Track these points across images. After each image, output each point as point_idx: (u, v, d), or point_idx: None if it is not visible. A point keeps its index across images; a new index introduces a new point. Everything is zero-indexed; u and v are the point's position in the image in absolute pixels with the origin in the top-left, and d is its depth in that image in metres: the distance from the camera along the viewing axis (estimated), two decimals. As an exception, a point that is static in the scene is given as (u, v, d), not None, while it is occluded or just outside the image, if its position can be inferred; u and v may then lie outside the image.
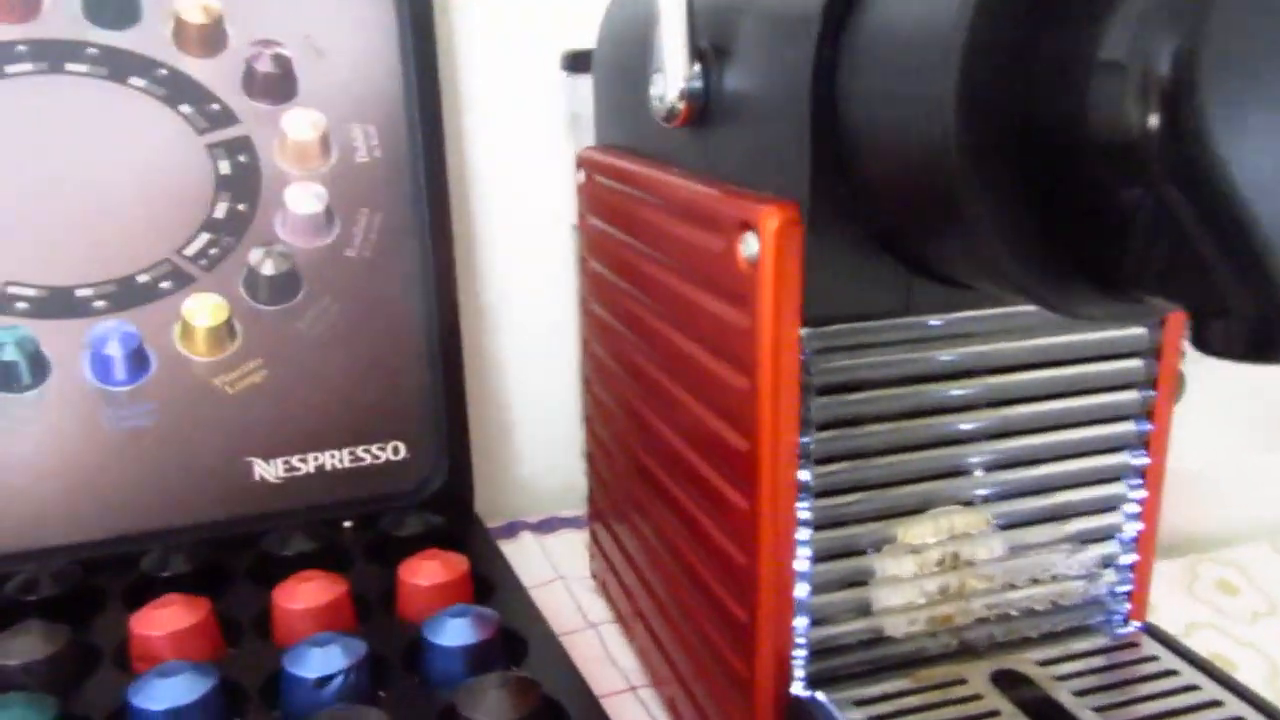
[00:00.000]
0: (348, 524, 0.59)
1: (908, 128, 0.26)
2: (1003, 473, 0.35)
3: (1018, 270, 0.26)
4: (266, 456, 0.59)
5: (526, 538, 0.63)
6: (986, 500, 0.35)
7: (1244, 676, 0.46)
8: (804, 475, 0.33)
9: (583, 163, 0.49)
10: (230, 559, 0.54)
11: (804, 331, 0.31)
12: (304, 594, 0.48)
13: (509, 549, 0.61)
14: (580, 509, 0.57)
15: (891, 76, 0.27)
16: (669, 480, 0.41)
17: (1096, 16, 0.23)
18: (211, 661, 0.44)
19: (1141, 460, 0.36)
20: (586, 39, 0.49)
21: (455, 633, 0.45)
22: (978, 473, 0.35)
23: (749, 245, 0.31)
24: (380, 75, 0.57)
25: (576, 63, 0.55)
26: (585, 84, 0.52)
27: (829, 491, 0.33)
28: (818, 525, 0.33)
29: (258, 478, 0.58)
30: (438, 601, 0.49)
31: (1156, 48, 0.22)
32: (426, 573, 0.50)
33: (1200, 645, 0.48)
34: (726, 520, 0.35)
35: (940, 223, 0.27)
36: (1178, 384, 0.58)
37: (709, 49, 0.35)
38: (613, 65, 0.47)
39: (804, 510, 0.33)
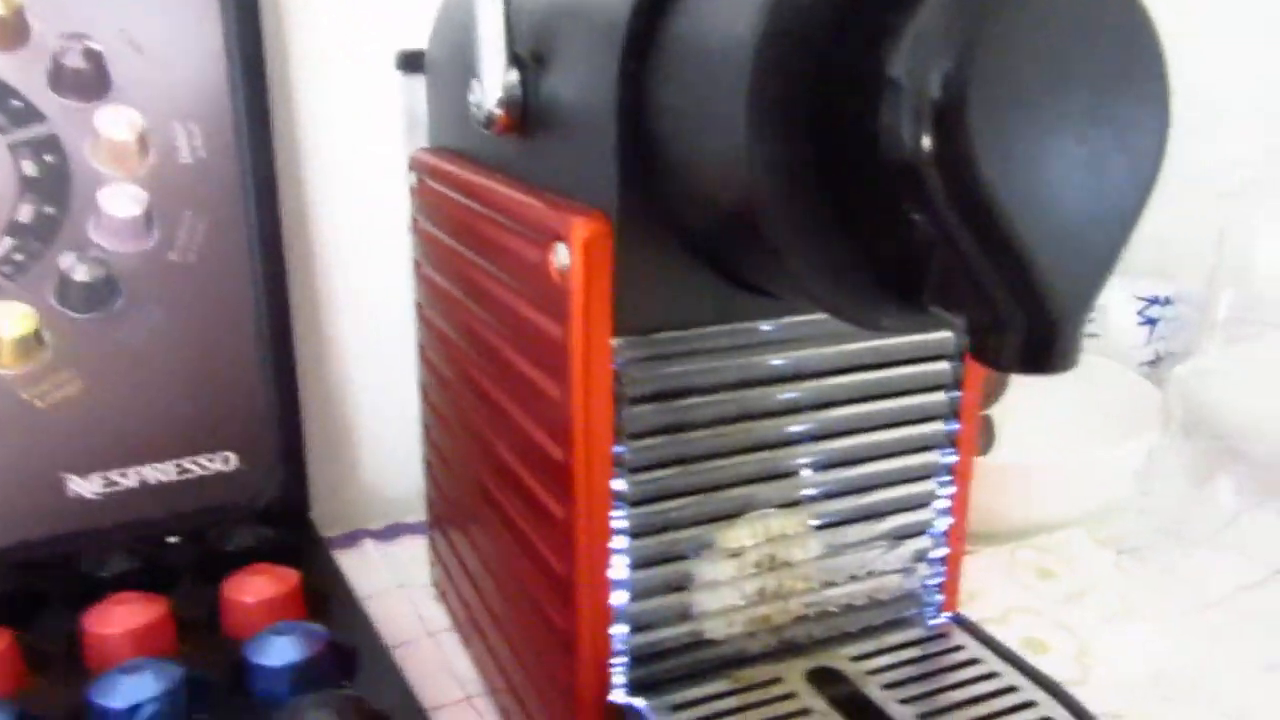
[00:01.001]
0: (173, 539, 0.56)
1: (707, 142, 0.27)
2: (819, 474, 0.36)
3: (819, 287, 0.26)
4: (82, 472, 0.55)
5: (369, 546, 0.61)
6: (804, 502, 0.36)
7: (1055, 655, 0.48)
8: (619, 484, 0.33)
9: (414, 165, 0.48)
10: (41, 582, 0.51)
11: (615, 341, 0.31)
12: (117, 617, 0.46)
13: (350, 559, 0.60)
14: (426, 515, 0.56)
15: (692, 89, 0.27)
16: (498, 490, 0.40)
17: (887, 32, 0.24)
18: (10, 696, 0.41)
19: (950, 458, 0.38)
20: (424, 38, 0.48)
21: (280, 651, 0.44)
22: (794, 475, 0.35)
23: (559, 256, 0.31)
24: (204, 71, 0.55)
25: (410, 62, 0.54)
26: (421, 84, 0.51)
27: (646, 499, 0.33)
28: (635, 533, 0.33)
29: (72, 494, 0.55)
30: (265, 618, 0.48)
31: (930, 68, 0.22)
32: (252, 589, 0.49)
33: (1018, 628, 0.50)
34: (547, 530, 0.35)
35: (744, 238, 0.27)
36: (997, 387, 0.61)
37: (528, 55, 0.35)
38: (444, 66, 0.46)
39: (620, 519, 0.33)
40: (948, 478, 0.38)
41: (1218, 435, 0.52)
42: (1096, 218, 0.23)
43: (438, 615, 0.53)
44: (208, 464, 0.58)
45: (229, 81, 0.55)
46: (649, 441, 0.33)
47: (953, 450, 0.38)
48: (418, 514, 0.62)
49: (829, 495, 0.36)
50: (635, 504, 0.33)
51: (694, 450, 0.34)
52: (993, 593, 0.52)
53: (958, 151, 0.22)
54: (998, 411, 0.61)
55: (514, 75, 0.35)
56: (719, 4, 0.26)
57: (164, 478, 0.57)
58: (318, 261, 0.61)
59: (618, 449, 0.32)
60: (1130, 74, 0.23)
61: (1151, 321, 0.69)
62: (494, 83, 0.35)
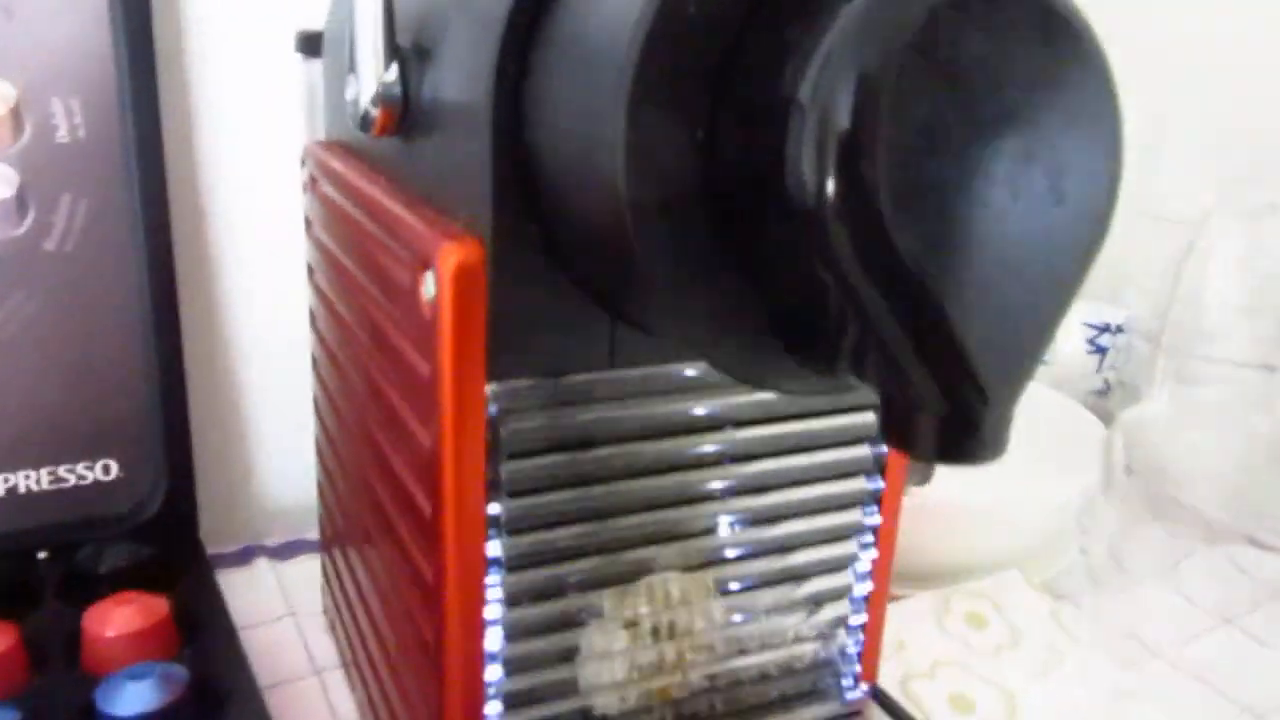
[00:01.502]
0: (42, 555, 0.52)
1: (581, 157, 0.23)
2: (726, 534, 0.32)
3: (702, 338, 0.23)
4: (-58, 478, 0.50)
5: (261, 565, 0.57)
6: (708, 565, 0.32)
7: (981, 715, 0.45)
8: (495, 547, 0.29)
9: (307, 157, 0.44)
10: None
11: (491, 386, 0.27)
12: (-44, 649, 0.41)
13: (239, 579, 0.55)
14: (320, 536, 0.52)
15: (568, 94, 0.23)
16: (375, 532, 0.36)
17: (793, 48, 0.20)
18: None
19: (873, 519, 0.34)
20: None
21: (133, 698, 0.39)
22: (698, 536, 0.32)
23: (428, 286, 0.27)
24: (86, 42, 0.49)
25: (310, 44, 0.49)
26: (319, 69, 0.46)
27: (526, 563, 0.29)
28: (513, 600, 0.29)
29: (-70, 502, 0.50)
30: (127, 654, 0.43)
31: (837, 90, 0.18)
32: (116, 621, 0.44)
33: (945, 683, 0.47)
34: (418, 590, 0.31)
35: (621, 272, 0.23)
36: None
37: (410, 46, 0.31)
38: (338, 50, 0.41)
39: (495, 585, 0.29)
40: (870, 539, 0.35)
41: (1162, 479, 0.49)
42: (1031, 283, 0.20)
43: (326, 649, 0.49)
44: (86, 472, 0.54)
45: (113, 52, 0.50)
46: (530, 500, 0.29)
47: (875, 509, 0.34)
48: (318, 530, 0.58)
49: (737, 557, 0.33)
50: (513, 568, 0.29)
51: (583, 508, 0.30)
52: (921, 642, 0.49)
53: (865, 197, 0.18)
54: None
55: (393, 71, 0.31)
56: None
57: (36, 486, 0.53)
58: (209, 253, 0.56)
59: (493, 507, 0.28)
60: (1075, 112, 0.20)
61: (1101, 350, 0.66)
62: (370, 78, 0.30)
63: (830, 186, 0.19)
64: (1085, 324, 0.66)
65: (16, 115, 0.49)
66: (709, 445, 0.30)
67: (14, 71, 0.48)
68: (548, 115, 0.24)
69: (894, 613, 0.52)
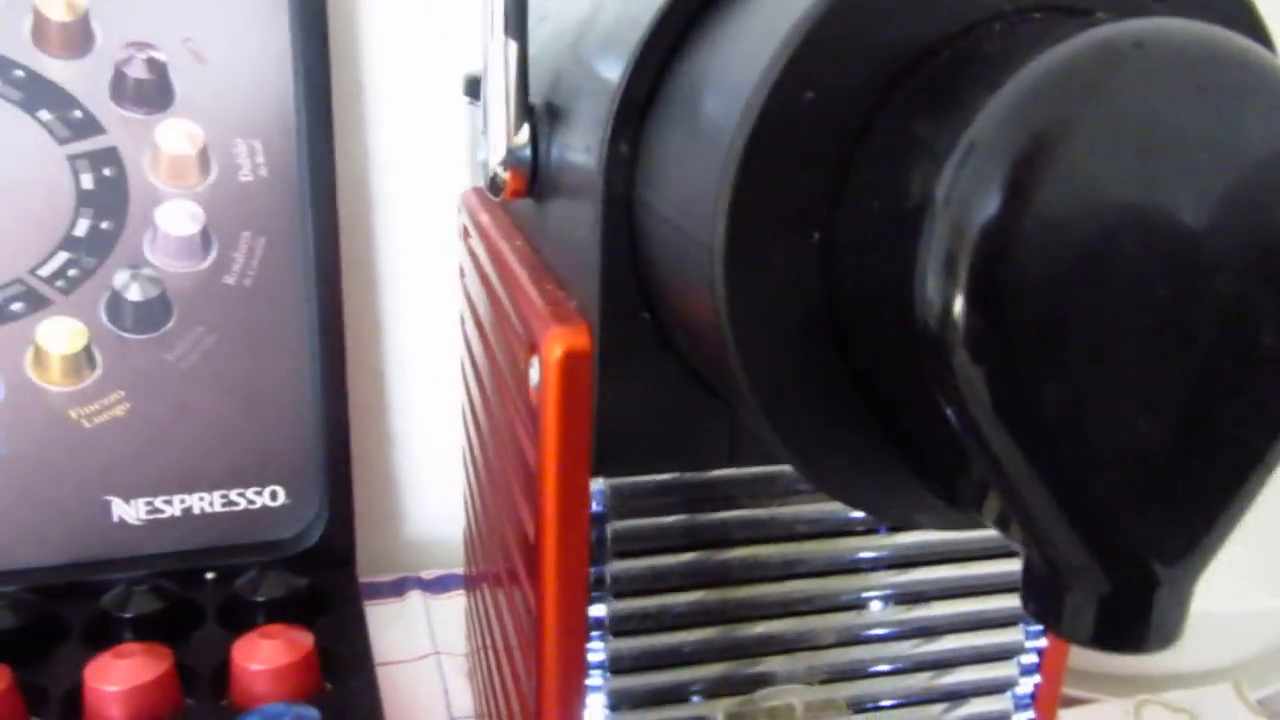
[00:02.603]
0: (210, 575, 0.54)
1: (684, 264, 0.20)
2: (857, 649, 0.29)
3: (815, 468, 0.20)
4: (127, 496, 0.53)
5: (414, 598, 0.57)
6: (836, 680, 0.29)
7: None
8: (598, 649, 0.26)
9: (464, 204, 0.43)
10: (66, 614, 0.49)
11: (597, 483, 0.25)
12: (116, 674, 0.43)
13: (392, 611, 0.56)
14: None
15: (674, 190, 0.21)
16: (500, 590, 0.35)
17: (924, 141, 0.17)
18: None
19: (1038, 640, 0.30)
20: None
21: (263, 741, 0.40)
22: (823, 649, 0.28)
23: (534, 372, 0.25)
24: (269, 87, 0.51)
25: (476, 89, 0.49)
26: (483, 113, 0.46)
27: (628, 668, 0.27)
28: (614, 705, 0.27)
29: (116, 519, 0.53)
30: (269, 688, 0.44)
31: (981, 184, 0.15)
32: (261, 654, 0.45)
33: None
34: (518, 683, 0.29)
35: (730, 390, 0.21)
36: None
37: (542, 107, 0.29)
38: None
39: (597, 691, 0.27)
40: (1033, 660, 0.30)
41: None
42: (1222, 424, 0.16)
43: (464, 696, 0.49)
44: (255, 497, 0.55)
45: (294, 97, 0.51)
46: (637, 602, 0.27)
47: (1041, 629, 0.30)
48: (466, 569, 0.58)
49: (873, 673, 0.29)
50: (617, 672, 0.27)
51: (693, 613, 0.27)
52: (1105, 759, 0.43)
53: (1004, 327, 0.15)
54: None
55: (524, 133, 0.29)
56: (726, 65, 0.20)
57: (209, 508, 0.55)
58: (377, 292, 0.57)
59: (598, 609, 0.26)
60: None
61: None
62: (500, 139, 0.29)
63: (959, 310, 0.15)
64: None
65: (204, 156, 0.51)
66: (839, 551, 0.27)
67: (203, 114, 0.51)
68: (657, 201, 0.21)
69: (1072, 719, 0.47)
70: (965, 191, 0.15)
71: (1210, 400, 0.15)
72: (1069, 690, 0.47)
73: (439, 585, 0.59)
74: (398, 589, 0.58)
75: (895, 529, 0.27)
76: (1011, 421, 0.15)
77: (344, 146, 0.53)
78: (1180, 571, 0.16)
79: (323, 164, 0.52)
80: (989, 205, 0.15)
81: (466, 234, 0.42)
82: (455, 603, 0.57)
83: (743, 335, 0.18)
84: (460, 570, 0.59)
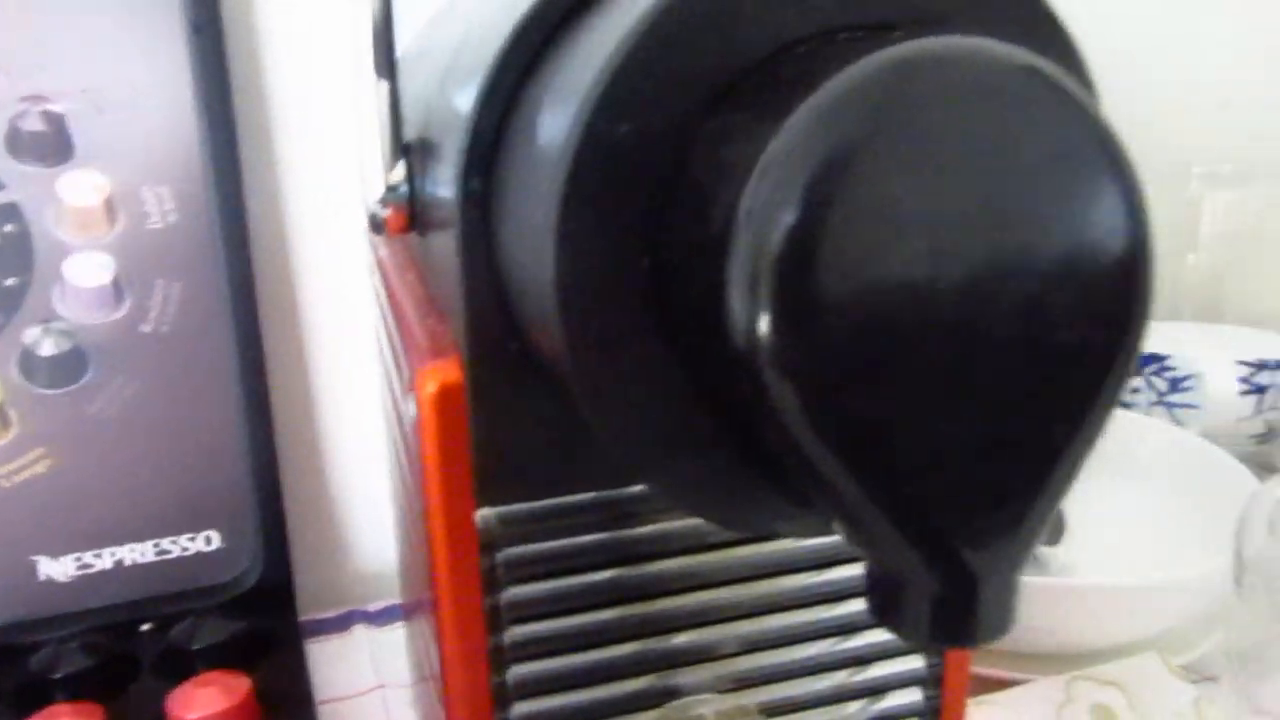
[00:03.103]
0: (146, 627, 0.53)
1: (530, 297, 0.20)
2: (764, 654, 0.29)
3: (674, 490, 0.20)
4: (55, 554, 0.53)
5: (359, 632, 0.57)
6: (745, 687, 0.29)
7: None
8: (502, 677, 0.27)
9: (370, 240, 0.43)
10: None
11: (483, 513, 0.25)
12: (48, 735, 0.43)
13: (337, 647, 0.55)
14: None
15: (516, 229, 0.21)
16: (426, 622, 0.35)
17: (731, 166, 0.17)
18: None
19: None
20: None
21: (198, 790, 0.39)
22: (728, 658, 0.29)
23: (410, 407, 0.25)
24: (173, 133, 0.51)
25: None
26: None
27: (532, 692, 0.27)
28: (524, 732, 0.27)
29: (44, 577, 0.53)
30: (208, 737, 0.44)
31: (777, 204, 0.16)
32: (197, 703, 0.44)
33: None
34: (443, 710, 0.29)
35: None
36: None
37: (416, 143, 0.30)
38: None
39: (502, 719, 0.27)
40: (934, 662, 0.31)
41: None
42: (1028, 429, 0.16)
43: (409, 727, 0.49)
44: (189, 544, 0.55)
45: (199, 142, 0.51)
46: (535, 627, 0.27)
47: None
48: (409, 599, 0.57)
49: (783, 676, 0.30)
50: (523, 697, 0.27)
51: (592, 632, 0.27)
52: (1037, 741, 0.44)
53: (807, 341, 0.16)
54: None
55: (400, 170, 0.29)
56: (554, 101, 0.20)
57: (141, 559, 0.54)
58: (299, 329, 0.57)
59: (497, 637, 0.26)
60: (1076, 200, 0.16)
61: (1259, 389, 0.59)
62: (378, 177, 0.29)
63: (764, 325, 0.16)
64: (1239, 361, 0.59)
65: (110, 205, 0.51)
66: (729, 560, 0.28)
67: (106, 164, 0.50)
68: (506, 236, 0.22)
69: (1006, 702, 0.48)
70: (763, 209, 0.16)
71: (1009, 399, 0.16)
72: (1002, 673, 0.48)
73: (384, 616, 0.58)
74: (342, 624, 0.58)
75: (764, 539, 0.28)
76: (822, 431, 0.16)
77: (255, 188, 0.53)
78: (1001, 564, 0.17)
79: (233, 207, 0.52)
80: (786, 221, 0.15)
81: (371, 270, 0.42)
82: (401, 633, 0.57)
83: (585, 366, 0.19)
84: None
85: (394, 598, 0.59)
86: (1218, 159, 0.71)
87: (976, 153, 0.16)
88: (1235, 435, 0.60)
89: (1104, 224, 0.16)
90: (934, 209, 0.15)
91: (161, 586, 0.54)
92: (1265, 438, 0.60)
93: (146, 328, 0.52)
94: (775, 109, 0.17)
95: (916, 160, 0.15)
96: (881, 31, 0.18)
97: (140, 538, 0.54)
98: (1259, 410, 0.59)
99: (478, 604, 0.26)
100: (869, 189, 0.15)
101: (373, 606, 0.59)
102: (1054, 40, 0.20)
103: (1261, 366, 0.58)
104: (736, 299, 0.16)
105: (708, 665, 0.29)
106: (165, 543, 0.55)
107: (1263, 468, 0.58)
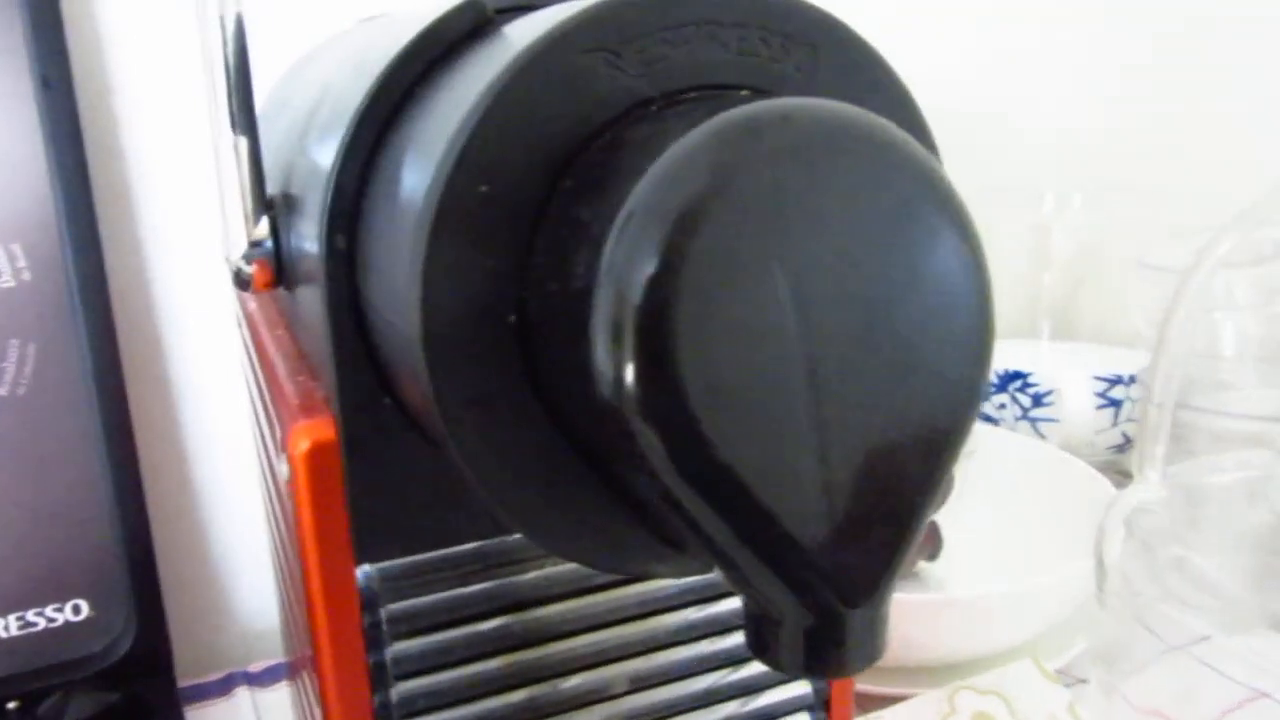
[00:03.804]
0: (12, 705, 0.50)
1: (398, 355, 0.21)
2: (656, 690, 0.30)
3: (544, 536, 0.20)
4: (-94, 635, 0.50)
5: (241, 695, 0.55)
6: (637, 724, 0.30)
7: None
8: (386, 737, 0.26)
9: (236, 293, 0.42)
10: None
11: (364, 570, 0.25)
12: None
13: (218, 712, 0.53)
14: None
15: (380, 285, 0.21)
16: (309, 680, 0.34)
17: (587, 224, 0.18)
18: None
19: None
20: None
21: None
22: (618, 697, 0.29)
23: (282, 467, 0.25)
24: (24, 189, 0.49)
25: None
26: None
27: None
28: (413, 790, 0.27)
29: (-105, 661, 0.49)
30: (80, 820, 0.41)
31: (634, 258, 0.16)
32: (68, 785, 0.42)
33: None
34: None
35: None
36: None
37: (280, 198, 0.29)
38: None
39: (390, 779, 0.27)
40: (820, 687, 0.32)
41: (1175, 566, 0.46)
42: (887, 466, 0.17)
43: (297, 792, 0.47)
44: (55, 614, 0.52)
45: (52, 196, 0.49)
46: (422, 681, 0.26)
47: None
48: (295, 657, 0.56)
49: (665, 714, 0.30)
50: (410, 758, 0.27)
51: (480, 683, 0.27)
52: (923, 751, 0.45)
53: (669, 389, 0.16)
54: (943, 513, 0.54)
55: (264, 226, 0.29)
56: (414, 159, 0.20)
57: (5, 632, 0.51)
58: (166, 387, 0.55)
59: (383, 694, 0.26)
60: (921, 252, 0.17)
61: (1115, 403, 0.62)
62: (239, 233, 0.29)
63: (629, 375, 0.16)
64: (1095, 377, 0.63)
65: (-42, 264, 0.48)
66: (614, 600, 0.28)
67: (-48, 222, 0.48)
68: (371, 293, 0.22)
69: (893, 717, 0.49)
70: (624, 261, 0.16)
71: (871, 440, 0.17)
72: (888, 689, 0.49)
73: (267, 676, 0.57)
74: (224, 687, 0.56)
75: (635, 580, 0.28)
76: (689, 476, 0.16)
77: (113, 242, 0.52)
78: (870, 597, 0.17)
79: (90, 263, 0.50)
80: (644, 272, 0.16)
81: (239, 324, 0.41)
82: (285, 693, 0.55)
83: (453, 420, 0.19)
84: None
85: (277, 656, 0.57)
86: (1068, 183, 0.75)
87: (825, 204, 0.16)
88: (1094, 446, 0.63)
89: (946, 269, 0.17)
90: (788, 257, 0.16)
91: (27, 661, 0.52)
92: (1121, 448, 0.64)
93: (1, 390, 0.50)
94: (630, 166, 0.17)
95: (768, 211, 0.16)
96: (727, 92, 0.19)
97: (2, 610, 0.51)
98: (1115, 422, 0.63)
99: (361, 662, 0.25)
100: (723, 239, 0.16)
101: (255, 667, 0.57)
102: (894, 100, 0.21)
103: (1116, 381, 0.62)
104: (601, 349, 0.16)
105: (600, 706, 0.29)
106: (29, 615, 0.52)
107: (1121, 474, 0.61)
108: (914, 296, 0.17)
